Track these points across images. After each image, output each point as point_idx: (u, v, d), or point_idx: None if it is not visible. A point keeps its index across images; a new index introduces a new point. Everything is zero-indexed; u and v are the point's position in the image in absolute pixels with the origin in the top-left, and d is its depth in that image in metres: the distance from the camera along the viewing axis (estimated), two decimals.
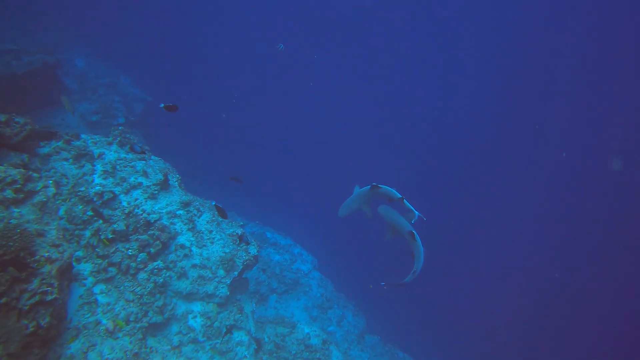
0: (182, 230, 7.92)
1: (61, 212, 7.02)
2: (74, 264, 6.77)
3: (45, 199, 6.77)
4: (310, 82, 31.51)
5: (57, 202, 7.08)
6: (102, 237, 6.99)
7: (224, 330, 7.54)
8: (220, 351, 7.35)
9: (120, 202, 7.56)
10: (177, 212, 8.06)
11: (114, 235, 7.06)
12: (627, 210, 26.54)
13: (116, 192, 7.64)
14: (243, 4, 32.82)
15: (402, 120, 33.08)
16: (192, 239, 7.93)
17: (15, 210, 6.36)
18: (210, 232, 8.20)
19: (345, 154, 29.54)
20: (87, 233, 7.02)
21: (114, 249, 7.05)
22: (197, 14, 31.40)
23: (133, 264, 7.04)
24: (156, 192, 8.02)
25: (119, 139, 8.62)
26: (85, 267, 6.84)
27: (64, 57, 16.12)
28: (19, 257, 5.43)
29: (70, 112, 13.14)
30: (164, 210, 7.93)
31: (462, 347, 18.54)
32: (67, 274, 6.35)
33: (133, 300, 6.81)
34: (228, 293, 7.77)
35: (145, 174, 8.15)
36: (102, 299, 6.65)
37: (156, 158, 9.01)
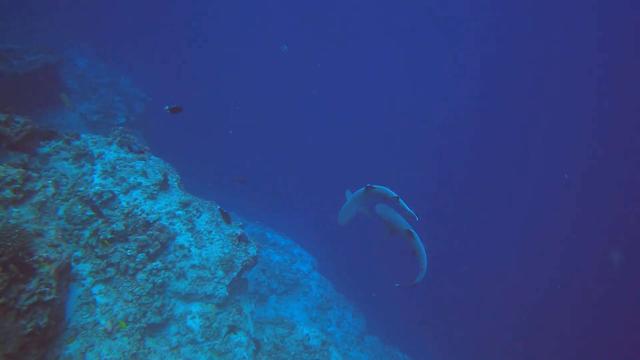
0: (181, 231, 7.91)
1: (60, 212, 7.01)
2: (73, 264, 6.76)
3: (44, 199, 6.77)
4: (313, 91, 31.53)
5: (57, 202, 7.08)
6: (101, 237, 6.98)
7: (223, 330, 7.53)
8: (219, 352, 7.34)
9: (120, 202, 7.55)
10: (177, 213, 8.06)
11: (112, 236, 7.05)
12: (627, 210, 26.49)
13: (115, 192, 7.63)
14: (244, 4, 32.84)
15: (402, 121, 33.05)
16: (191, 239, 7.92)
17: (14, 210, 6.35)
18: (210, 232, 8.19)
19: (346, 154, 29.53)
20: (86, 233, 7.01)
21: (112, 249, 7.04)
22: (197, 14, 31.42)
23: (132, 265, 7.03)
24: (155, 192, 8.01)
25: (118, 138, 8.61)
26: (84, 268, 6.83)
27: (65, 56, 16.13)
28: (19, 257, 5.43)
29: (70, 110, 13.14)
30: (163, 211, 7.92)
31: (462, 347, 18.52)
32: (65, 274, 6.35)
33: (132, 301, 6.80)
34: (227, 294, 7.76)
35: (144, 174, 8.14)
36: (100, 299, 6.64)
37: (156, 158, 9.00)
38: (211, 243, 8.05)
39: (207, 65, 29.80)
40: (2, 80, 11.53)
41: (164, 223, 7.75)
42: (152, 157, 8.93)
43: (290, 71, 31.70)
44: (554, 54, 30.20)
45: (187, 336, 7.19)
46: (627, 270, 24.08)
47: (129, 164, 8.18)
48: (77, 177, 7.55)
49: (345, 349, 13.41)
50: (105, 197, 7.40)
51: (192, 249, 7.82)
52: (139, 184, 7.96)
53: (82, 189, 7.36)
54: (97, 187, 7.52)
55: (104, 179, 7.76)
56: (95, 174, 7.77)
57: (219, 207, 7.57)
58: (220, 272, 7.82)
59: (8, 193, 6.30)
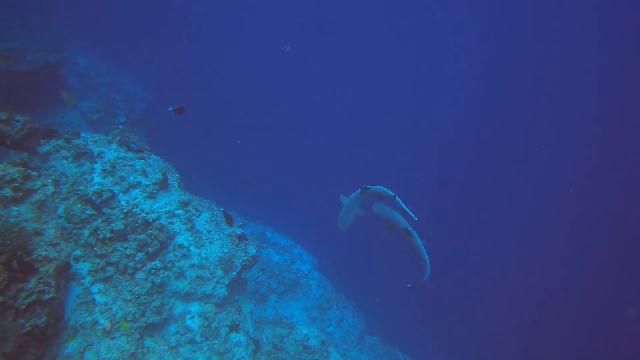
0: (181, 230, 7.90)
1: (60, 210, 7.00)
2: (72, 263, 6.76)
3: (43, 198, 6.76)
4: (317, 96, 31.56)
5: (56, 201, 7.07)
6: (101, 236, 6.97)
7: (222, 330, 7.51)
8: (217, 352, 7.32)
9: (119, 201, 7.55)
10: (176, 212, 8.05)
11: (112, 235, 7.05)
12: (628, 211, 26.44)
13: (115, 191, 7.62)
14: (245, 4, 32.84)
15: (402, 121, 33.02)
16: (190, 238, 7.91)
17: (13, 208, 6.35)
18: (209, 232, 8.17)
19: (346, 154, 29.52)
20: (86, 232, 7.00)
21: (112, 248, 7.04)
22: (198, 14, 31.42)
23: (131, 264, 7.02)
24: (155, 191, 8.00)
25: (118, 137, 8.60)
26: (83, 267, 6.82)
27: (65, 55, 16.14)
28: (21, 256, 5.42)
29: (71, 107, 13.11)
30: (162, 210, 7.91)
31: (463, 347, 18.51)
32: (64, 273, 6.34)
33: (131, 300, 6.79)
34: (226, 293, 7.75)
35: (144, 173, 8.14)
36: (99, 298, 6.63)
37: (156, 157, 8.99)
38: (210, 243, 8.04)
39: (207, 65, 29.82)
40: (3, 78, 11.55)
41: (164, 222, 7.74)
42: (152, 156, 8.92)
43: (291, 71, 31.69)
44: (554, 54, 30.16)
45: (186, 336, 7.18)
46: (627, 270, 24.06)
47: (129, 163, 8.17)
48: (76, 176, 7.55)
49: (344, 349, 13.39)
50: (104, 196, 7.39)
51: (192, 248, 7.81)
52: (139, 183, 7.95)
53: (81, 187, 7.35)
54: (96, 186, 7.51)
55: (104, 178, 7.75)
56: (94, 172, 7.77)
57: (222, 209, 7.57)
58: (219, 272, 7.81)
59: (7, 191, 6.30)
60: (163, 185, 8.28)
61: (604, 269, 24.57)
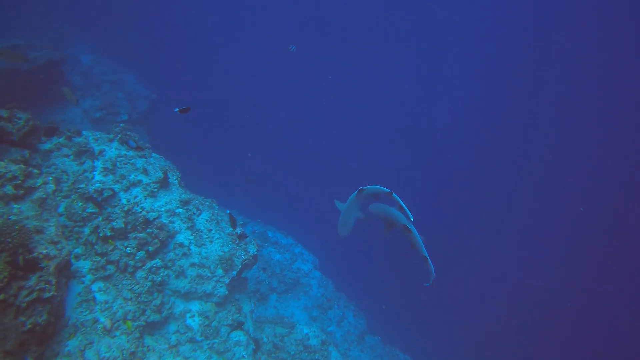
0: (181, 229, 7.91)
1: (61, 208, 7.02)
2: (73, 261, 6.77)
3: (44, 196, 6.77)
4: (324, 102, 31.56)
5: (57, 199, 7.09)
6: (101, 234, 6.99)
7: (223, 329, 7.52)
8: (218, 351, 7.34)
9: (120, 200, 7.56)
10: (177, 211, 8.05)
11: (113, 233, 7.06)
12: (628, 211, 26.38)
13: (116, 189, 7.64)
14: (247, 3, 32.81)
15: (402, 121, 32.98)
16: (191, 237, 7.92)
17: (14, 206, 6.36)
18: (210, 231, 8.18)
19: (346, 154, 29.49)
20: (86, 230, 7.02)
21: (112, 246, 7.05)
22: (201, 13, 31.41)
23: (131, 262, 7.03)
24: (156, 190, 8.01)
25: (120, 136, 8.61)
26: (84, 265, 6.84)
27: (69, 53, 16.15)
28: (25, 253, 5.43)
29: (72, 104, 13.11)
30: (163, 209, 7.92)
31: (463, 348, 18.49)
32: (65, 271, 6.35)
33: (131, 299, 6.80)
34: (226, 292, 7.76)
35: (145, 171, 8.15)
36: (100, 296, 6.65)
37: (157, 155, 9.00)
38: (211, 242, 8.05)
39: (210, 64, 29.82)
40: (6, 76, 11.58)
41: (164, 221, 7.75)
42: (153, 154, 8.93)
43: (292, 70, 31.67)
44: (554, 54, 30.07)
45: (187, 335, 7.19)
46: (627, 270, 24.00)
47: (130, 162, 8.19)
48: (78, 174, 7.56)
49: (345, 348, 13.39)
50: (105, 195, 7.41)
51: (192, 247, 7.82)
52: (140, 181, 7.96)
53: (82, 185, 7.37)
54: (97, 184, 7.52)
55: (105, 176, 7.76)
56: (96, 171, 7.78)
57: (229, 211, 7.59)
58: (219, 271, 7.81)
59: (9, 189, 6.31)
60: (164, 183, 8.29)
61: (604, 269, 24.52)
